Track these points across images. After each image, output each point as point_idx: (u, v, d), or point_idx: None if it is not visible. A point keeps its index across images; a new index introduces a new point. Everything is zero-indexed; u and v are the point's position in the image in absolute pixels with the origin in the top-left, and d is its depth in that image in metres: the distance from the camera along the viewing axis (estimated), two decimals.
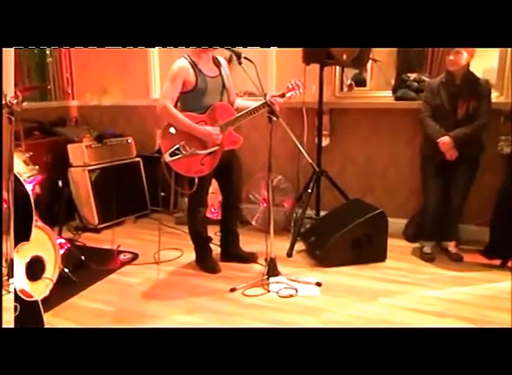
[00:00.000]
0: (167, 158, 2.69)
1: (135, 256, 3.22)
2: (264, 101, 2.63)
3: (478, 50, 2.92)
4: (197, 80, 2.65)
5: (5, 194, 2.11)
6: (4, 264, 2.05)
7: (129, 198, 4.02)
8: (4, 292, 1.90)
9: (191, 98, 2.69)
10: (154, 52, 4.24)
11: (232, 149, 2.86)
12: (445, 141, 2.93)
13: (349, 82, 3.80)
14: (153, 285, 2.82)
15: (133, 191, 4.09)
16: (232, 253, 3.12)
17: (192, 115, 2.69)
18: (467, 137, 2.93)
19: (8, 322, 1.65)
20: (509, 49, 3.16)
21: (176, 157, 2.69)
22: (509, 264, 2.92)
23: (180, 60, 2.66)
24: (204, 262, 3.01)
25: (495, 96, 3.14)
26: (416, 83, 3.40)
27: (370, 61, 3.88)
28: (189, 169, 2.71)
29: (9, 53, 2.76)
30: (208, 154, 2.73)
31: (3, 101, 2.11)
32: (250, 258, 3.10)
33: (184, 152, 2.69)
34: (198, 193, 2.79)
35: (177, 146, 2.68)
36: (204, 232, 3.02)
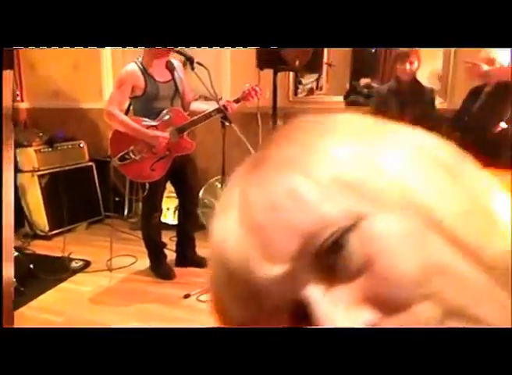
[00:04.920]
0: (116, 163, 2.66)
1: (87, 264, 3.15)
2: (217, 106, 2.64)
3: (424, 57, 3.05)
4: (146, 85, 2.63)
5: None
6: None
7: (82, 204, 3.92)
8: None
9: (142, 104, 2.67)
10: (107, 53, 4.16)
11: (187, 154, 2.86)
12: None
13: (309, 86, 3.89)
14: (105, 293, 2.77)
15: (85, 196, 3.99)
16: (188, 258, 3.10)
17: (142, 120, 2.67)
18: None
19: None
20: (452, 55, 3.32)
21: (125, 162, 2.67)
22: None
23: (129, 65, 2.64)
24: (158, 269, 2.98)
25: (439, 102, 3.28)
26: (366, 90, 3.51)
27: (325, 65, 4.00)
28: (139, 174, 2.70)
29: None
30: (160, 159, 2.72)
31: None
32: (205, 263, 3.08)
33: (133, 157, 2.67)
34: (151, 198, 2.77)
35: (126, 151, 2.66)
36: (158, 237, 2.99)
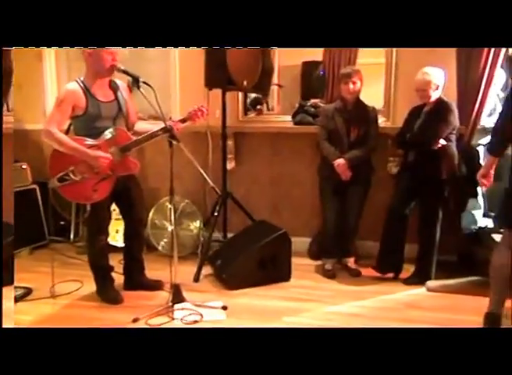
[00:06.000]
0: (55, 183, 2.56)
1: (28, 291, 2.98)
2: (163, 125, 2.62)
3: (366, 78, 3.17)
4: (87, 104, 2.57)
5: None
6: None
7: (25, 228, 3.73)
8: None
9: (83, 123, 2.60)
10: (52, 73, 4.05)
11: (131, 174, 2.79)
12: (340, 162, 3.12)
13: (258, 107, 3.96)
14: (46, 322, 2.62)
15: (28, 220, 3.80)
16: (136, 281, 3.01)
17: (84, 139, 2.59)
18: (359, 159, 3.14)
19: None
20: (393, 77, 3.47)
21: (65, 183, 2.57)
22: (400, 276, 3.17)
23: (70, 84, 2.57)
24: (105, 293, 2.87)
25: (382, 121, 3.41)
26: (313, 109, 3.59)
27: (276, 86, 4.09)
28: (79, 195, 2.60)
29: None
30: (102, 179, 2.63)
31: None
32: (155, 285, 3.01)
33: (74, 178, 2.57)
34: (95, 220, 2.68)
35: (66, 171, 2.57)
36: (104, 261, 2.88)
